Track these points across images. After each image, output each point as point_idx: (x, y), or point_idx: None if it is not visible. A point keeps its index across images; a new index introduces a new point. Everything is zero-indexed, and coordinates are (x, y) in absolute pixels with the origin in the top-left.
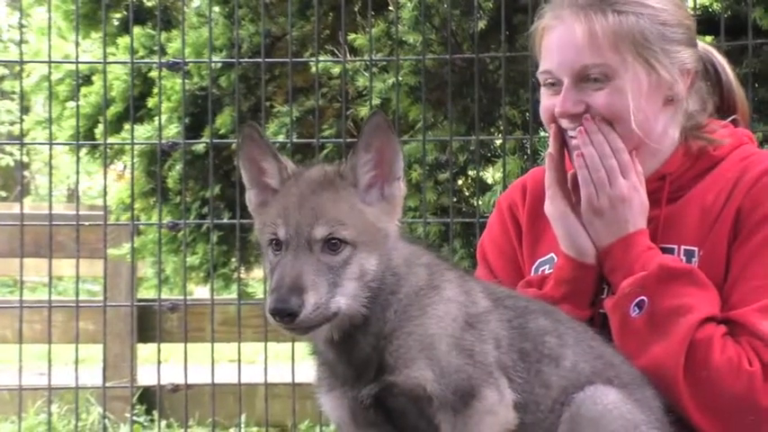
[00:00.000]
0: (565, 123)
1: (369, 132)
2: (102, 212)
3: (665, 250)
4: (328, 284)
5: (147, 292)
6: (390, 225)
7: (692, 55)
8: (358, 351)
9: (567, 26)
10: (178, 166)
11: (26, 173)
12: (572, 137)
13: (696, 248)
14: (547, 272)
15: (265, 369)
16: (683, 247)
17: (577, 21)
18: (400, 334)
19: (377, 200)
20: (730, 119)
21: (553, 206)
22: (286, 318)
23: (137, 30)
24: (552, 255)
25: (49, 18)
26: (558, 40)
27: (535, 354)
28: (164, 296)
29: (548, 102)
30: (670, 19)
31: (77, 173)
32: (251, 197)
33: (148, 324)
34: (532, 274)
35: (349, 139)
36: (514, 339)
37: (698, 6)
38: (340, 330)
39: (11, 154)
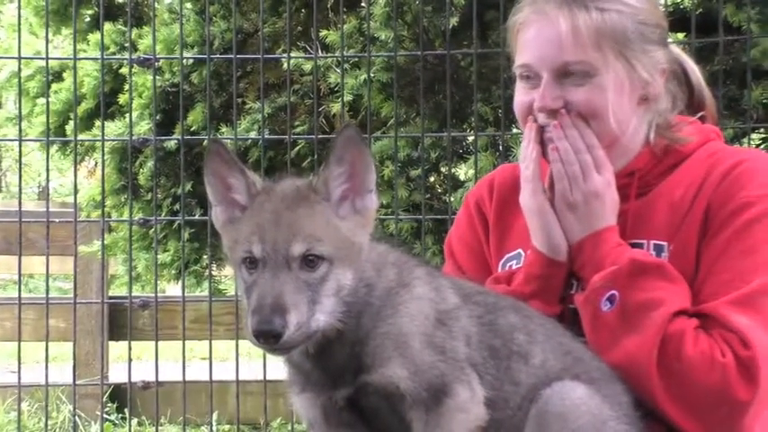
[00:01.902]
0: (542, 118)
1: (341, 145)
2: (72, 209)
3: (634, 245)
4: (308, 302)
5: (118, 290)
6: (364, 238)
7: (666, 55)
8: (334, 360)
9: (550, 20)
10: (149, 163)
11: None
12: (548, 132)
13: (665, 243)
14: (514, 267)
15: (237, 366)
16: (652, 242)
17: (561, 15)
18: (375, 335)
19: (350, 213)
20: (698, 116)
21: (533, 200)
22: (270, 339)
23: (107, 26)
24: (519, 250)
25: (19, 14)
26: (539, 34)
27: (504, 350)
28: (136, 293)
29: (524, 97)
30: (649, 19)
31: (47, 170)
32: (218, 214)
33: (120, 321)
34: (499, 269)
35: (321, 136)
36: (484, 336)
37: (669, 4)
38: (315, 344)
39: None
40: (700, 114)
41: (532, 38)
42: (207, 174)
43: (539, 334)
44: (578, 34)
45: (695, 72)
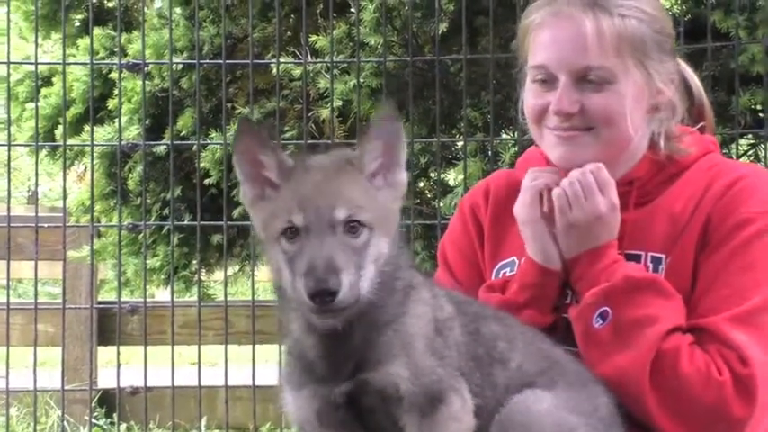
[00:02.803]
0: (554, 121)
1: (379, 121)
2: (61, 214)
3: (632, 256)
4: (355, 266)
5: (108, 295)
6: (397, 208)
7: (675, 65)
8: (348, 343)
9: (574, 23)
10: (139, 168)
11: None
12: (557, 135)
13: (663, 256)
14: (508, 275)
15: (225, 371)
16: (650, 254)
17: (586, 18)
18: (388, 330)
19: (383, 186)
20: (698, 126)
21: (527, 210)
22: (327, 298)
23: (97, 31)
24: (514, 258)
25: (8, 19)
26: (559, 36)
27: (487, 359)
28: (125, 298)
29: (538, 100)
30: (664, 28)
31: (36, 174)
32: (246, 191)
33: (109, 326)
34: (493, 277)
35: (310, 141)
36: (470, 346)
37: None
38: (345, 320)
39: None
40: (700, 125)
41: (551, 39)
42: (237, 152)
43: (519, 341)
44: (603, 39)
45: (696, 82)
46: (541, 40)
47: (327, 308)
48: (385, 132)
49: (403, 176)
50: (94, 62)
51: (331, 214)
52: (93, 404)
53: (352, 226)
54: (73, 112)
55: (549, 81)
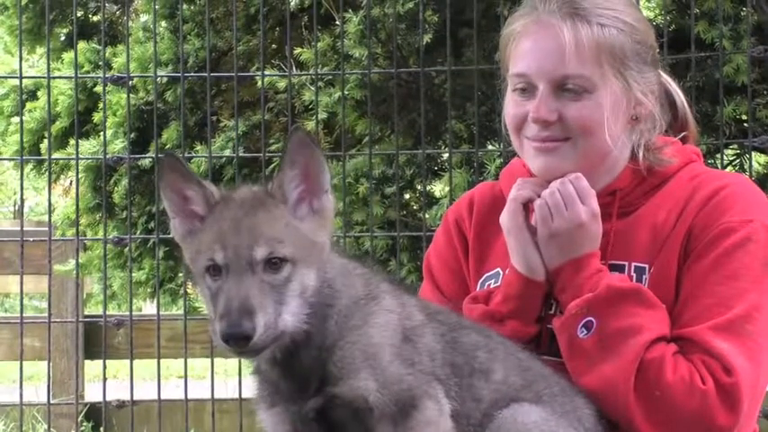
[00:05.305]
0: (533, 130)
1: (292, 149)
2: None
3: (615, 267)
4: (274, 303)
5: (94, 308)
6: (324, 238)
7: (656, 77)
8: (300, 366)
9: (553, 31)
10: (124, 181)
11: None
12: (536, 146)
13: (646, 266)
14: (492, 286)
15: (212, 384)
16: (633, 264)
17: (565, 27)
18: (344, 344)
19: (308, 214)
20: (680, 136)
21: (512, 220)
22: (240, 341)
23: (82, 45)
24: (498, 269)
25: None
26: (539, 45)
27: (467, 368)
28: (111, 312)
29: (517, 109)
30: (645, 39)
31: (21, 188)
32: (176, 226)
33: (95, 340)
34: (478, 288)
35: None
36: (447, 353)
37: None
38: (282, 349)
39: None
40: (682, 135)
41: (531, 48)
42: (163, 187)
43: (499, 351)
44: (580, 47)
45: (679, 94)
46: (521, 49)
47: (241, 351)
48: (302, 158)
49: (328, 202)
50: (79, 76)
51: (250, 254)
52: (79, 418)
53: (274, 263)
54: (58, 125)
55: (528, 90)
